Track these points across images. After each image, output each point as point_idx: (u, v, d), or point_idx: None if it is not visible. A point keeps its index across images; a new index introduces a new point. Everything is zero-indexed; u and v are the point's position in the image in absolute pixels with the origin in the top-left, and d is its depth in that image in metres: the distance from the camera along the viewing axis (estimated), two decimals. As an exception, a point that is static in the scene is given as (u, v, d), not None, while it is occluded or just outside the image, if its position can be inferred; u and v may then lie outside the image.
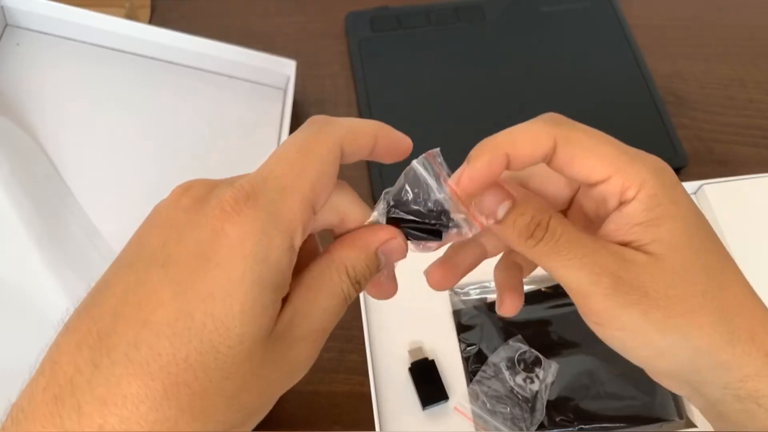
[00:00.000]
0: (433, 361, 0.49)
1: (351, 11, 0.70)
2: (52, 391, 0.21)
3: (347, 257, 0.27)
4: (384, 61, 0.67)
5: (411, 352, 0.50)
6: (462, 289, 0.53)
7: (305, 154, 0.25)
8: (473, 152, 0.29)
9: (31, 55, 0.58)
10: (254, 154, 0.60)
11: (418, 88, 0.65)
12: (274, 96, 0.63)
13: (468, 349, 0.50)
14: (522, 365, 0.48)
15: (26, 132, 0.54)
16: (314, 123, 0.27)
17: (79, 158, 0.55)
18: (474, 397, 0.48)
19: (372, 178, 0.59)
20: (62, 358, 0.22)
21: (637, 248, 0.27)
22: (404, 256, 0.29)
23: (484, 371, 0.48)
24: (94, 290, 0.23)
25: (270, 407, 0.25)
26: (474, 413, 0.47)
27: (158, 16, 0.70)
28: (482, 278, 0.52)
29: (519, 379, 0.48)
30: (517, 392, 0.47)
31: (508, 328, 0.50)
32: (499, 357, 0.49)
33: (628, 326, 0.27)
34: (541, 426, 0.47)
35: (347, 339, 0.52)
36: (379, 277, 0.29)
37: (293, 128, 0.60)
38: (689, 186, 0.56)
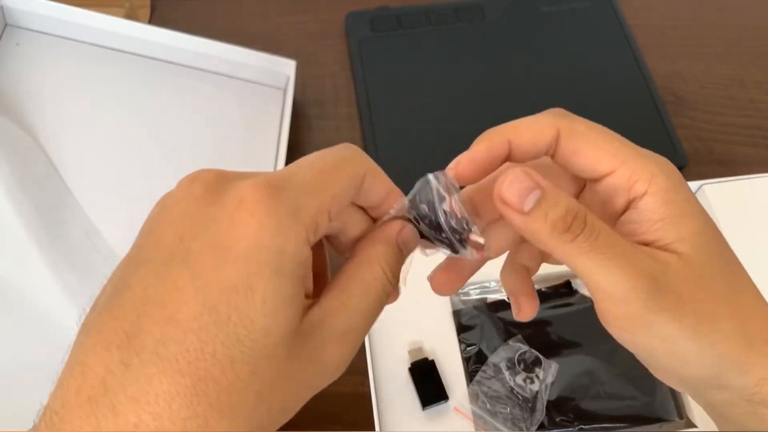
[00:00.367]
0: (433, 362, 0.49)
1: (351, 11, 0.70)
2: (86, 393, 0.21)
3: (376, 253, 0.27)
4: (384, 61, 0.67)
5: (411, 352, 0.50)
6: (462, 289, 0.53)
7: (336, 168, 0.26)
8: (476, 139, 0.29)
9: (31, 55, 0.58)
10: (254, 154, 0.60)
11: (418, 88, 0.65)
12: (274, 96, 0.63)
13: (468, 349, 0.50)
14: (522, 365, 0.48)
15: (26, 132, 0.54)
16: (351, 148, 0.27)
17: (79, 158, 0.55)
18: (474, 397, 0.48)
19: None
20: (90, 359, 0.22)
21: (661, 247, 0.26)
22: (417, 244, 0.29)
23: (484, 371, 0.48)
24: (113, 290, 0.23)
25: (296, 410, 0.25)
26: (474, 413, 0.47)
27: (158, 16, 0.70)
28: (482, 278, 0.52)
29: (519, 379, 0.48)
30: (517, 392, 0.47)
31: (508, 329, 0.50)
32: (499, 357, 0.49)
33: (659, 333, 0.26)
34: (541, 426, 0.47)
35: (347, 339, 0.51)
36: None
37: (293, 128, 0.61)
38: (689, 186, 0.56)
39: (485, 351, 0.50)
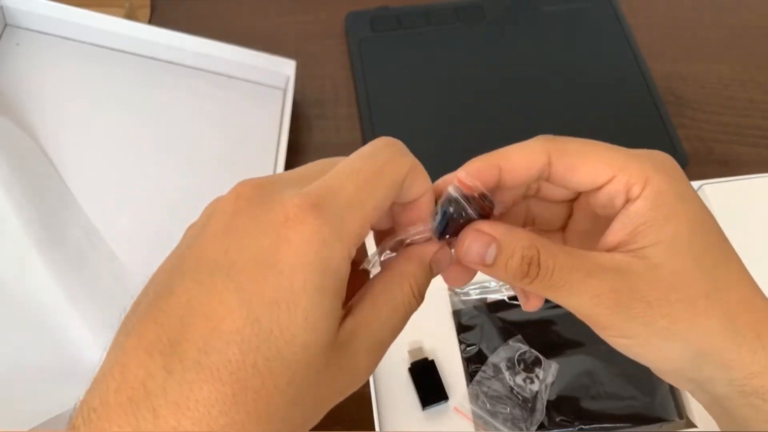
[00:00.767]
0: (433, 362, 0.49)
1: (351, 11, 0.70)
2: (126, 394, 0.22)
3: (408, 271, 0.28)
4: (384, 61, 0.67)
5: (411, 352, 0.50)
6: (462, 289, 0.53)
7: (379, 176, 0.26)
8: (466, 163, 0.29)
9: (31, 55, 0.58)
10: (254, 154, 0.60)
11: (418, 88, 0.65)
12: (274, 96, 0.63)
13: (468, 349, 0.50)
14: (522, 365, 0.48)
15: (26, 132, 0.54)
16: (391, 146, 0.28)
17: (78, 158, 0.55)
18: (474, 397, 0.48)
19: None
20: (131, 361, 0.22)
21: (639, 250, 0.27)
22: (451, 263, 0.30)
23: (484, 371, 0.48)
24: (156, 295, 0.24)
25: (322, 416, 0.26)
26: (474, 413, 0.47)
27: (158, 16, 0.70)
28: (482, 278, 0.52)
29: (519, 379, 0.48)
30: (517, 392, 0.47)
31: (508, 328, 0.50)
32: (499, 357, 0.49)
33: (634, 335, 0.27)
34: (541, 426, 0.47)
35: (347, 339, 0.51)
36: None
37: (293, 128, 0.61)
38: (689, 186, 0.56)
39: (485, 351, 0.50)
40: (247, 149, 0.59)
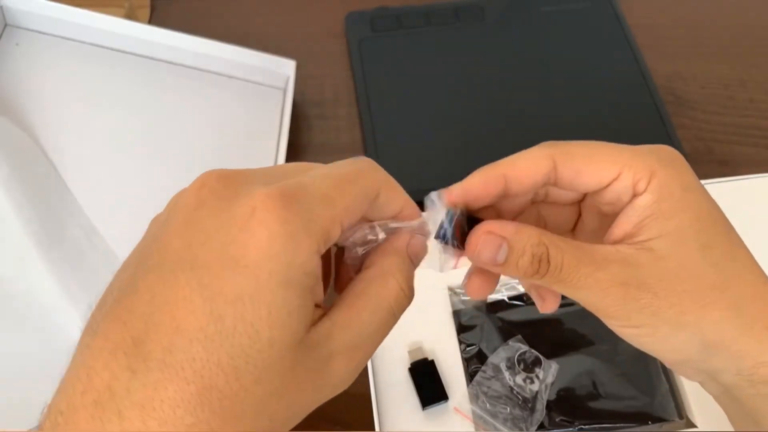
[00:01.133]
0: (433, 362, 0.49)
1: (351, 11, 0.70)
2: (92, 396, 0.22)
3: (389, 264, 0.27)
4: (384, 61, 0.67)
5: (411, 352, 0.50)
6: (462, 289, 0.53)
7: (351, 180, 0.26)
8: (472, 173, 0.29)
9: (31, 55, 0.58)
10: (254, 154, 0.60)
11: (418, 88, 0.65)
12: (274, 96, 0.63)
13: (468, 349, 0.50)
14: (522, 365, 0.48)
15: (26, 132, 0.54)
16: (366, 161, 0.28)
17: (78, 158, 0.55)
18: (474, 397, 0.48)
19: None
20: (97, 363, 0.22)
21: (644, 242, 0.27)
22: (426, 252, 0.30)
23: (484, 371, 0.48)
24: (120, 293, 0.23)
25: (297, 421, 0.25)
26: (474, 413, 0.47)
27: (158, 16, 0.70)
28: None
29: (519, 379, 0.48)
30: (517, 392, 0.47)
31: (508, 329, 0.50)
32: (499, 357, 0.49)
33: (642, 324, 0.27)
34: (541, 426, 0.47)
35: (347, 339, 0.51)
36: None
37: (293, 128, 0.60)
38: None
39: (485, 351, 0.50)
40: (247, 149, 0.59)
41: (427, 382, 0.48)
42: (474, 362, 0.49)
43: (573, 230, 0.34)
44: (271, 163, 0.59)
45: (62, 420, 0.22)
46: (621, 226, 0.28)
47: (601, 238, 0.31)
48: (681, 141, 0.62)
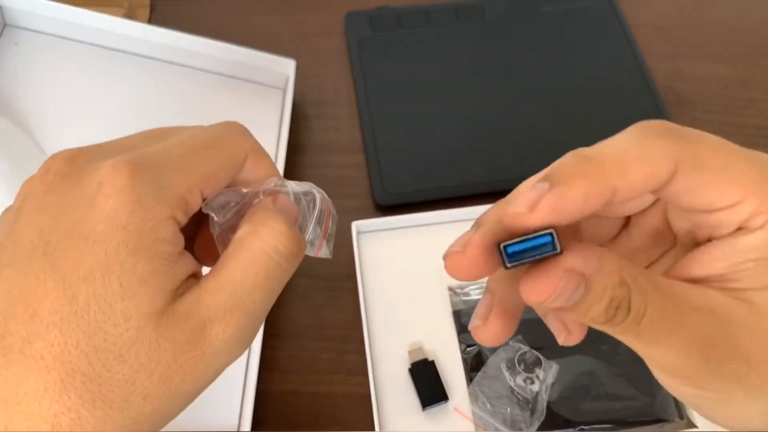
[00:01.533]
0: (433, 362, 0.49)
1: (351, 11, 0.70)
2: None
3: (257, 218, 0.25)
4: (384, 61, 0.67)
5: (411, 352, 0.49)
6: (462, 289, 0.53)
7: (209, 146, 0.25)
8: (559, 172, 0.21)
9: (30, 54, 0.58)
10: (254, 154, 0.60)
11: (418, 88, 0.65)
12: (274, 96, 0.62)
13: (468, 349, 0.50)
14: (522, 366, 0.48)
15: (25, 132, 0.54)
16: (232, 126, 0.26)
17: (78, 158, 0.54)
18: (474, 397, 0.48)
19: (372, 180, 0.59)
20: None
21: (742, 291, 0.22)
22: (297, 212, 0.27)
23: (484, 372, 0.48)
24: None
25: (186, 399, 0.24)
26: (474, 414, 0.47)
27: (157, 16, 0.69)
28: (483, 279, 0.52)
29: (519, 379, 0.48)
30: (517, 393, 0.47)
31: (509, 329, 0.50)
32: (499, 357, 0.49)
33: (716, 390, 0.22)
34: (542, 427, 0.47)
35: (347, 339, 0.51)
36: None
37: (293, 128, 0.60)
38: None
39: (485, 351, 0.50)
40: (247, 149, 0.59)
41: (427, 382, 0.48)
42: (474, 362, 0.49)
43: (606, 244, 0.27)
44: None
45: None
46: (709, 263, 0.22)
47: (643, 258, 0.26)
48: (682, 141, 0.62)
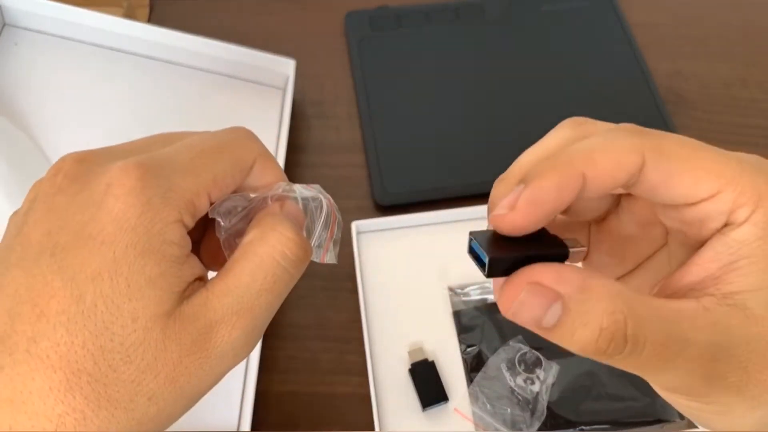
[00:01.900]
0: (433, 362, 0.49)
1: (351, 11, 0.70)
2: None
3: (265, 224, 0.25)
4: (384, 61, 0.67)
5: (411, 353, 0.49)
6: (462, 289, 0.53)
7: (218, 151, 0.25)
8: (535, 169, 0.22)
9: (30, 54, 0.58)
10: (253, 154, 0.60)
11: (418, 87, 0.65)
12: (274, 96, 0.62)
13: (468, 350, 0.50)
14: (522, 366, 0.48)
15: (24, 132, 0.54)
16: (240, 131, 0.27)
17: (77, 158, 0.54)
18: (474, 398, 0.47)
19: (372, 180, 0.59)
20: None
21: (735, 295, 0.21)
22: (303, 218, 0.27)
23: (485, 372, 0.48)
24: None
25: (190, 400, 0.24)
26: (474, 414, 0.47)
27: (157, 16, 0.69)
28: (482, 279, 0.52)
29: (519, 380, 0.48)
30: (517, 393, 0.47)
31: (509, 329, 0.50)
32: (499, 358, 0.48)
33: (715, 402, 0.22)
34: (542, 427, 0.47)
35: (347, 340, 0.51)
36: None
37: (293, 128, 0.60)
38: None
39: (486, 352, 0.49)
40: (247, 149, 0.59)
41: (427, 382, 0.48)
42: (474, 363, 0.49)
43: (595, 224, 0.27)
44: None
45: None
46: (703, 265, 0.22)
47: (633, 246, 0.26)
48: (682, 141, 0.62)
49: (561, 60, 0.67)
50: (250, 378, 0.47)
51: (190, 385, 0.23)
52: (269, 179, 0.27)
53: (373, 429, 0.47)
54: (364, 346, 0.49)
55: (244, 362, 0.48)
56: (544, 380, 0.48)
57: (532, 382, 0.48)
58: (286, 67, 0.61)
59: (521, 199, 0.21)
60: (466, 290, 0.52)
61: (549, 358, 0.48)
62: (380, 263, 0.54)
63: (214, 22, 0.69)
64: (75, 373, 0.21)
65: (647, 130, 0.23)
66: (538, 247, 0.22)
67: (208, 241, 0.28)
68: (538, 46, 0.68)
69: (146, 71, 0.60)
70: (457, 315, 0.51)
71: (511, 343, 0.49)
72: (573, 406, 0.48)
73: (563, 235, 0.23)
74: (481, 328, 0.51)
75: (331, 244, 0.28)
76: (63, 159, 0.25)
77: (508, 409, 0.47)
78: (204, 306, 0.23)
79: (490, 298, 0.52)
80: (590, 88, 0.65)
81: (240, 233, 0.26)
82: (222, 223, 0.26)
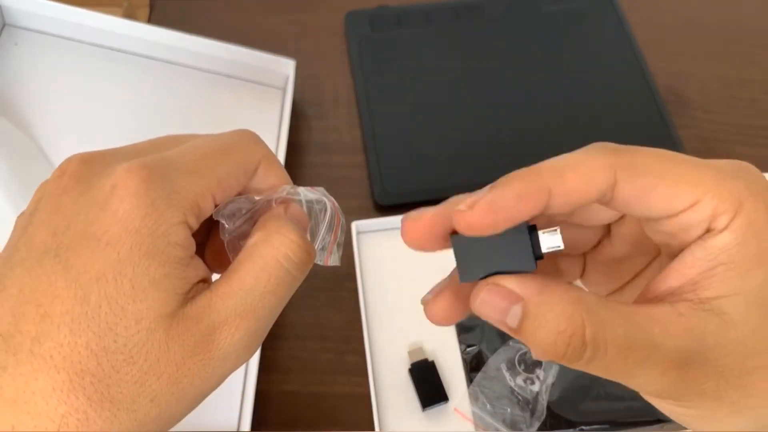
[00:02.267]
0: (433, 362, 0.49)
1: (351, 11, 0.70)
2: None
3: (270, 226, 0.25)
4: (384, 61, 0.67)
5: (411, 353, 0.49)
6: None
7: (223, 153, 0.25)
8: (503, 178, 0.22)
9: (30, 54, 0.58)
10: (253, 154, 0.60)
11: (417, 87, 0.65)
12: (274, 96, 0.62)
13: (468, 350, 0.50)
14: (522, 366, 0.48)
15: (24, 132, 0.54)
16: (245, 134, 0.27)
17: (77, 158, 0.54)
18: (474, 398, 0.47)
19: (372, 180, 0.59)
20: None
21: (713, 300, 0.21)
22: (306, 218, 0.27)
23: (484, 372, 0.48)
24: None
25: (193, 402, 0.24)
26: (474, 414, 0.47)
27: (157, 16, 0.69)
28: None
29: (519, 380, 0.48)
30: (517, 393, 0.47)
31: (509, 329, 0.50)
32: (499, 358, 0.48)
33: (696, 407, 0.22)
34: (542, 427, 0.47)
35: (347, 340, 0.51)
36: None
37: (293, 128, 0.60)
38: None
39: (485, 352, 0.49)
40: (247, 149, 0.59)
41: (427, 382, 0.48)
42: (474, 363, 0.49)
43: (589, 252, 0.28)
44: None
45: None
46: (682, 270, 0.22)
47: (624, 267, 0.26)
48: (682, 141, 0.62)
49: (561, 60, 0.67)
50: (250, 378, 0.47)
51: (192, 387, 0.23)
52: (273, 182, 0.27)
53: (373, 429, 0.47)
54: (364, 346, 0.49)
55: (244, 362, 0.48)
56: (544, 380, 0.48)
57: (532, 382, 0.48)
58: (286, 67, 0.61)
59: (481, 201, 0.21)
60: (466, 290, 0.52)
61: (549, 358, 0.48)
62: (380, 263, 0.54)
63: (214, 22, 0.69)
64: (78, 374, 0.21)
65: (622, 147, 0.22)
66: (507, 256, 0.22)
67: (212, 243, 0.28)
68: (539, 47, 0.68)
69: (146, 71, 0.60)
70: (457, 315, 0.51)
71: (510, 343, 0.49)
72: (573, 406, 0.48)
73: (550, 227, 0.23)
74: (481, 328, 0.51)
75: (335, 247, 0.28)
76: (68, 160, 0.24)
77: (508, 409, 0.47)
78: (207, 308, 0.23)
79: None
80: (590, 88, 0.65)
81: (244, 236, 0.26)
82: (226, 226, 0.26)
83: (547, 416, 0.47)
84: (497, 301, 0.22)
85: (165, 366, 0.22)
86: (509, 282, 0.21)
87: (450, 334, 0.51)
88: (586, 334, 0.21)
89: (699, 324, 0.21)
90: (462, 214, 0.22)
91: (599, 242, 0.27)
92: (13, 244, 0.24)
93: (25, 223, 0.24)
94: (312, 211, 0.28)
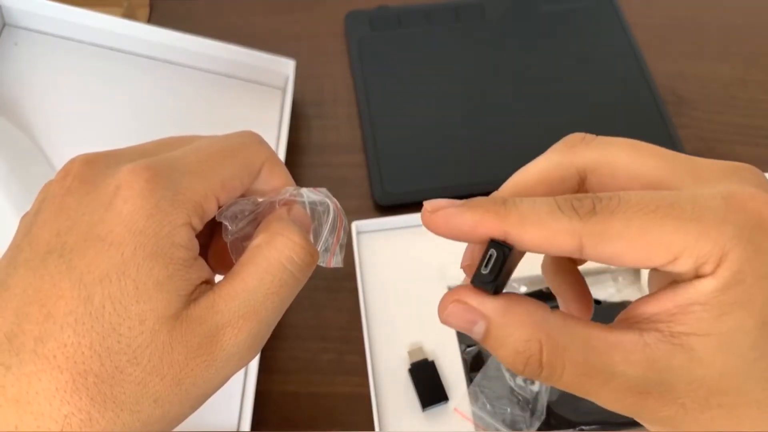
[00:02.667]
0: (433, 362, 0.49)
1: (351, 11, 0.70)
2: None
3: (273, 228, 0.25)
4: (384, 61, 0.67)
5: (411, 353, 0.49)
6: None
7: (227, 154, 0.25)
8: (475, 200, 0.23)
9: (30, 54, 0.58)
10: (253, 154, 0.60)
11: (418, 87, 0.65)
12: (274, 96, 0.62)
13: (468, 349, 0.50)
14: (522, 366, 0.48)
15: (24, 132, 0.54)
16: (248, 135, 0.27)
17: (77, 158, 0.54)
18: (474, 398, 0.47)
19: (372, 180, 0.59)
20: None
21: (683, 335, 0.21)
22: (310, 222, 0.27)
23: (484, 372, 0.48)
24: None
25: (195, 403, 0.24)
26: (474, 414, 0.47)
27: (157, 16, 0.69)
28: (482, 279, 0.52)
29: (519, 379, 0.48)
30: (517, 393, 0.47)
31: (509, 329, 0.50)
32: (499, 358, 0.48)
33: (652, 428, 0.23)
34: (542, 427, 0.47)
35: (346, 340, 0.51)
36: None
37: (293, 128, 0.60)
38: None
39: (485, 351, 0.49)
40: (247, 149, 0.59)
41: (427, 382, 0.48)
42: (474, 363, 0.49)
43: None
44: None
45: None
46: (662, 300, 0.22)
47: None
48: (682, 141, 0.62)
49: (561, 60, 0.67)
50: (250, 378, 0.47)
51: (195, 388, 0.23)
52: (277, 183, 0.27)
53: (373, 429, 0.47)
54: (364, 346, 0.49)
55: (244, 362, 0.48)
56: (544, 380, 0.48)
57: (532, 382, 0.48)
58: (286, 67, 0.61)
59: (443, 211, 0.23)
60: (466, 290, 0.52)
61: (549, 358, 0.48)
62: (380, 263, 0.54)
63: (215, 23, 0.69)
64: (81, 374, 0.21)
65: (597, 209, 0.21)
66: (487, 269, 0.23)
67: (215, 244, 0.28)
68: (538, 47, 0.68)
69: (146, 71, 0.60)
70: (457, 315, 0.51)
71: (511, 343, 0.49)
72: (573, 406, 0.48)
73: None
74: (481, 328, 0.51)
75: (338, 249, 0.28)
76: (72, 160, 0.25)
77: (508, 409, 0.47)
78: (211, 309, 0.24)
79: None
80: (590, 88, 0.65)
81: (247, 237, 0.26)
82: (229, 227, 0.26)
83: (547, 416, 0.47)
84: (463, 314, 0.23)
85: (168, 367, 0.22)
86: (474, 300, 0.22)
87: (450, 334, 0.51)
88: (543, 358, 0.21)
89: (664, 357, 0.21)
90: (423, 212, 0.23)
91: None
92: (16, 244, 0.24)
93: (28, 223, 0.24)
94: (315, 212, 0.28)
